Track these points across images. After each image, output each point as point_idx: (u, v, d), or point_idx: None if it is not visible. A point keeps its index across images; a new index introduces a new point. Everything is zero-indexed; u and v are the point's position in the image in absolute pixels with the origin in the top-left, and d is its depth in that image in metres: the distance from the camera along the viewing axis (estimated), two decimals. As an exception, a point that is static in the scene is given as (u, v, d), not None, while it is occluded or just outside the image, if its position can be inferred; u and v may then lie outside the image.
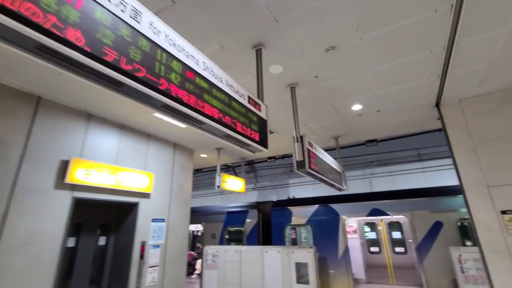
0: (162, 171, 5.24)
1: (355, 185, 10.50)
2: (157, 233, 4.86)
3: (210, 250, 7.49)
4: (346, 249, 6.21)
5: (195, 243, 11.44)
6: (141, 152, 4.88)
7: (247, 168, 14.40)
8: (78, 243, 4.10)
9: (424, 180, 9.27)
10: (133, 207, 4.63)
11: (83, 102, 3.86)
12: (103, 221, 4.50)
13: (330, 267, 6.26)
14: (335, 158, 5.01)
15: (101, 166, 4.05)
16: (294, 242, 8.80)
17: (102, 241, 4.44)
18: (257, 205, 7.97)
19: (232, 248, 7.08)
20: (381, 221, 8.89)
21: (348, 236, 9.15)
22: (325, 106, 4.27)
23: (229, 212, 8.34)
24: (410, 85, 3.71)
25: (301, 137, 3.28)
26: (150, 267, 4.60)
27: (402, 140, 10.21)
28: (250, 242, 7.65)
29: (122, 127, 4.63)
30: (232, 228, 8.23)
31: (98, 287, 4.20)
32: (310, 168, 3.25)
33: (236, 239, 8.41)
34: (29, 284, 3.10)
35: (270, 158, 7.15)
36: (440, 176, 9.08)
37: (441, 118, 4.24)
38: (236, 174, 13.54)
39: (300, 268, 5.99)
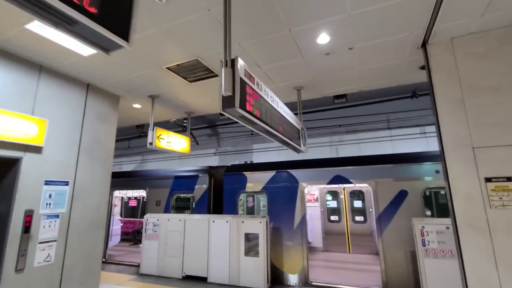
0: (65, 118, 3.89)
1: (322, 152, 9.96)
2: (54, 200, 3.65)
3: (151, 218, 6.51)
4: (303, 219, 5.53)
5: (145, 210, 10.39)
6: (25, 89, 3.46)
7: (209, 131, 13.19)
8: None
9: (391, 149, 8.84)
10: (12, 164, 3.32)
11: None
12: (-36, 182, 3.18)
13: (284, 238, 5.60)
14: (295, 114, 4.01)
15: None
16: (251, 211, 8.10)
17: (-37, 209, 3.15)
18: (208, 170, 6.96)
19: (176, 217, 6.14)
20: (344, 189, 8.42)
21: (309, 204, 8.67)
22: (280, 32, 3.11)
23: (176, 177, 7.26)
24: (395, 2, 2.65)
25: (233, 61, 2.14)
26: (42, 242, 3.46)
27: (372, 106, 9.56)
28: (199, 211, 6.76)
29: (-13, 48, 3.13)
30: (179, 194, 7.22)
31: (-49, 272, 3.01)
32: (244, 108, 2.17)
33: (183, 206, 7.48)
34: None
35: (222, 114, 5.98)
36: (408, 144, 8.66)
37: (426, 62, 3.31)
38: (194, 139, 12.30)
39: (251, 239, 5.23)
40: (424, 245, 4.27)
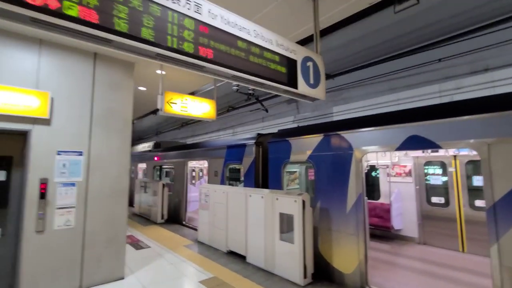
0: (73, 91, 3.92)
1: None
2: (69, 169, 3.82)
3: (203, 189, 6.42)
4: (360, 200, 3.89)
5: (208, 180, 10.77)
6: (28, 65, 3.60)
7: (288, 98, 12.03)
8: (-41, 178, 3.45)
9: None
10: (24, 136, 3.61)
11: None
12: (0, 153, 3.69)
13: (334, 224, 4.17)
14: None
15: None
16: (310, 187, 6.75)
17: (1, 176, 3.70)
18: (256, 138, 6.08)
19: (220, 189, 5.75)
20: (455, 158, 5.67)
21: (397, 179, 6.42)
22: None
23: (228, 147, 6.81)
24: None
25: None
26: (61, 208, 3.71)
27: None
28: (247, 183, 6.11)
29: (-16, 28, 3.34)
30: (231, 165, 6.77)
31: (-5, 227, 3.62)
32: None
33: (234, 178, 7.01)
34: None
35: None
36: None
37: None
38: (263, 106, 11.49)
39: (286, 220, 4.16)
40: None
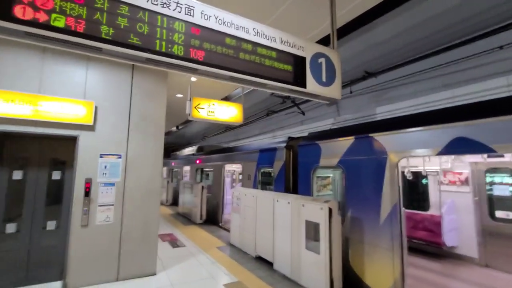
0: (113, 99, 4.36)
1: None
2: (110, 170, 4.24)
3: (235, 192, 6.52)
4: (394, 210, 3.47)
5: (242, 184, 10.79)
6: (77, 78, 4.12)
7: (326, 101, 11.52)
8: (26, 176, 4.08)
9: None
10: (74, 141, 4.12)
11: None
12: (55, 156, 4.29)
13: (366, 236, 3.80)
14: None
15: (10, 94, 3.59)
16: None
17: (57, 175, 4.28)
18: (287, 141, 5.94)
19: (250, 192, 5.77)
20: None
21: (451, 188, 5.59)
22: None
23: (260, 151, 6.79)
24: None
25: None
26: (101, 205, 4.13)
27: None
28: (277, 188, 5.99)
29: (45, 50, 3.93)
30: (263, 169, 6.73)
31: (51, 219, 4.18)
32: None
33: (265, 181, 6.91)
34: None
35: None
36: None
37: None
38: (299, 108, 11.22)
39: (312, 229, 3.97)
40: None
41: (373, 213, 3.73)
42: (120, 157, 4.33)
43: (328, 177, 5.79)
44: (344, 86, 8.92)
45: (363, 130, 4.05)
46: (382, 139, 3.71)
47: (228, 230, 7.91)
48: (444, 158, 5.33)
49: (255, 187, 6.86)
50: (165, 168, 18.96)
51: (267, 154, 6.45)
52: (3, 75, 3.66)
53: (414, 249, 6.05)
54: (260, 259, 5.36)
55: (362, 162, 3.95)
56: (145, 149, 4.54)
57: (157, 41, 1.53)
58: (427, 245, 5.82)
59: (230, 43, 1.82)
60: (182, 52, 1.61)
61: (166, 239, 6.83)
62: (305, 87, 2.16)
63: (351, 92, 8.45)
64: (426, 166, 5.77)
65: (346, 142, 4.26)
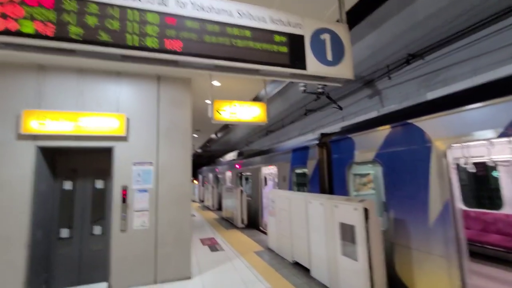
0: (143, 110, 4.61)
1: None
2: (143, 178, 4.46)
3: (270, 195, 6.36)
4: (447, 209, 2.89)
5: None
6: (110, 93, 4.47)
7: (369, 92, 10.64)
8: (75, 186, 4.54)
9: None
10: (110, 151, 4.44)
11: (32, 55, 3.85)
12: (98, 166, 4.69)
13: (413, 240, 3.25)
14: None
15: (55, 113, 4.04)
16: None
17: (100, 184, 4.67)
18: (319, 139, 5.55)
19: (284, 194, 5.56)
20: None
21: None
22: None
23: (294, 151, 6.49)
24: None
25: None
26: (137, 211, 4.36)
27: None
28: (312, 188, 5.61)
29: (81, 71, 4.36)
30: (297, 169, 6.40)
31: (96, 225, 4.55)
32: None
33: (300, 183, 6.53)
34: (5, 222, 3.73)
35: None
36: None
37: None
38: (335, 103, 10.53)
39: (347, 232, 3.61)
40: None
41: (420, 213, 3.16)
42: (151, 164, 4.53)
43: (368, 174, 5.21)
44: (383, 74, 8.09)
45: (401, 117, 3.51)
46: (424, 124, 3.14)
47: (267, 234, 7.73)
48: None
49: (290, 189, 6.57)
50: (210, 175, 19.71)
51: (300, 154, 6.13)
52: (48, 96, 4.14)
53: (489, 257, 5.01)
54: (297, 264, 5.04)
55: (402, 154, 3.41)
56: (173, 156, 4.68)
57: (128, 36, 1.49)
58: (507, 252, 4.77)
59: (212, 29, 1.69)
60: (157, 45, 1.54)
61: (207, 243, 6.95)
62: (305, 68, 1.89)
63: (389, 78, 7.60)
64: (495, 155, 4.77)
65: (382, 132, 3.75)
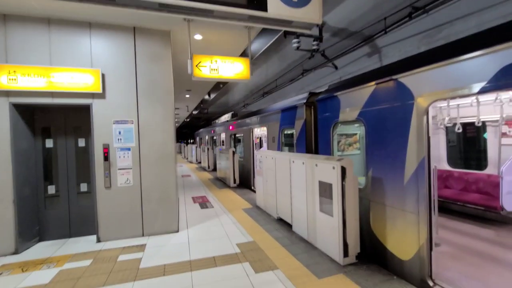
0: (119, 66, 4.36)
1: None
2: (124, 136, 4.40)
3: (257, 155, 6.38)
4: (422, 167, 2.86)
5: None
6: (82, 47, 4.18)
7: (368, 50, 10.09)
8: (56, 145, 4.50)
9: None
10: (88, 109, 4.31)
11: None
12: (76, 125, 4.60)
13: (388, 198, 3.29)
14: None
15: (26, 68, 3.82)
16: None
17: (82, 143, 4.63)
18: (307, 98, 5.36)
19: (270, 155, 5.56)
20: None
21: (509, 141, 4.47)
22: None
23: (282, 110, 6.34)
24: None
25: None
26: (121, 169, 4.38)
27: None
28: (299, 148, 5.59)
29: (49, 22, 4.02)
30: (286, 130, 6.32)
31: (83, 182, 4.62)
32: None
33: (288, 143, 6.50)
34: (-13, 175, 3.77)
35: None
36: None
37: None
38: (332, 63, 10.07)
39: (326, 190, 3.66)
40: None
41: (397, 172, 3.15)
42: (132, 123, 4.43)
43: (355, 134, 5.15)
44: (383, 30, 7.56)
45: (385, 73, 3.31)
46: (408, 80, 2.97)
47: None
48: (508, 101, 4.16)
49: (279, 149, 6.57)
50: (207, 137, 19.79)
51: (288, 114, 5.99)
52: (15, 50, 3.88)
53: (468, 215, 5.19)
54: (281, 221, 5.24)
55: (384, 112, 3.29)
56: (155, 114, 4.55)
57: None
58: (485, 210, 4.91)
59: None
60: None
61: (198, 201, 7.19)
62: (266, 10, 1.67)
63: (385, 33, 7.13)
64: (484, 115, 4.64)
65: (367, 90, 3.58)
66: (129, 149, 4.42)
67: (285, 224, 5.00)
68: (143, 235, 4.51)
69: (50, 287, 3.02)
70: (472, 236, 4.23)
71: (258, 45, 9.90)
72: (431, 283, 2.80)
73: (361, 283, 2.93)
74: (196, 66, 4.12)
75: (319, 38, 7.66)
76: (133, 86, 4.43)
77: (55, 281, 3.14)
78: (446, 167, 5.83)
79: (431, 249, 2.85)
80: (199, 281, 3.05)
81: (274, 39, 8.29)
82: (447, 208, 5.66)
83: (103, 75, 4.24)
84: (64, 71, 4.00)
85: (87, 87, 4.11)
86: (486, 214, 5.02)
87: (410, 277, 3.00)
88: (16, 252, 3.90)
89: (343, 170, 3.32)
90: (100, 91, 4.17)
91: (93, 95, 4.22)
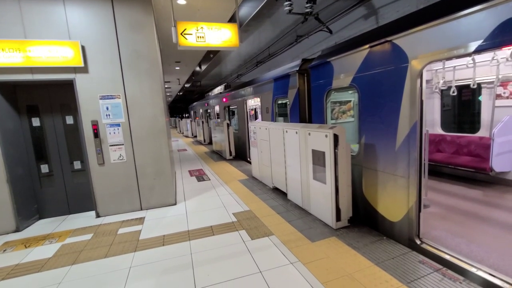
0: (99, 37, 4.10)
1: None
2: (112, 112, 4.28)
3: (251, 126, 6.33)
4: (413, 132, 2.85)
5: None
6: (57, 17, 3.89)
7: (364, 11, 9.59)
8: (44, 123, 4.39)
9: None
10: (72, 85, 4.14)
11: None
12: (63, 102, 4.45)
13: (380, 163, 3.32)
14: None
15: (0, 43, 3.59)
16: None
17: (70, 120, 4.52)
18: (300, 65, 5.18)
19: (263, 125, 5.51)
20: None
21: (504, 103, 4.45)
22: None
23: (275, 80, 6.16)
24: None
25: None
26: (112, 145, 4.33)
27: None
28: (292, 118, 5.53)
29: (16, -12, 3.69)
30: (279, 99, 6.21)
31: (76, 160, 4.59)
32: None
33: (282, 113, 6.43)
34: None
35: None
36: None
37: None
38: (325, 26, 9.61)
39: (319, 159, 3.67)
40: None
41: (389, 137, 3.14)
42: (119, 98, 4.29)
43: (349, 101, 5.07)
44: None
45: (380, 35, 3.15)
46: (402, 42, 2.83)
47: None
48: (505, 61, 4.05)
49: (273, 120, 6.51)
50: (201, 110, 19.52)
51: (281, 82, 5.84)
52: (-12, 23, 3.61)
53: (459, 177, 5.33)
54: (276, 190, 5.36)
55: (378, 77, 3.19)
56: (142, 88, 4.39)
57: None
58: (475, 172, 5.03)
59: None
60: None
61: (194, 174, 7.27)
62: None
63: None
64: (480, 77, 4.55)
65: (361, 54, 3.44)
66: (119, 125, 4.33)
67: (281, 193, 5.11)
68: (141, 209, 4.60)
69: (53, 260, 3.12)
70: (461, 197, 4.38)
71: (248, 10, 9.33)
72: (418, 242, 2.94)
73: (352, 244, 3.07)
74: (181, 34, 3.89)
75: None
76: (116, 58, 4.21)
77: (58, 255, 3.24)
78: (440, 131, 5.86)
79: (419, 210, 2.94)
80: (197, 249, 3.16)
81: (264, 2, 7.79)
82: (439, 172, 5.79)
83: (83, 47, 4.00)
84: (41, 44, 3.76)
85: (67, 61, 3.89)
86: (476, 176, 5.16)
87: (399, 237, 3.14)
88: (17, 230, 3.98)
89: (336, 138, 3.31)
90: (82, 64, 3.97)
91: (75, 70, 4.03)
